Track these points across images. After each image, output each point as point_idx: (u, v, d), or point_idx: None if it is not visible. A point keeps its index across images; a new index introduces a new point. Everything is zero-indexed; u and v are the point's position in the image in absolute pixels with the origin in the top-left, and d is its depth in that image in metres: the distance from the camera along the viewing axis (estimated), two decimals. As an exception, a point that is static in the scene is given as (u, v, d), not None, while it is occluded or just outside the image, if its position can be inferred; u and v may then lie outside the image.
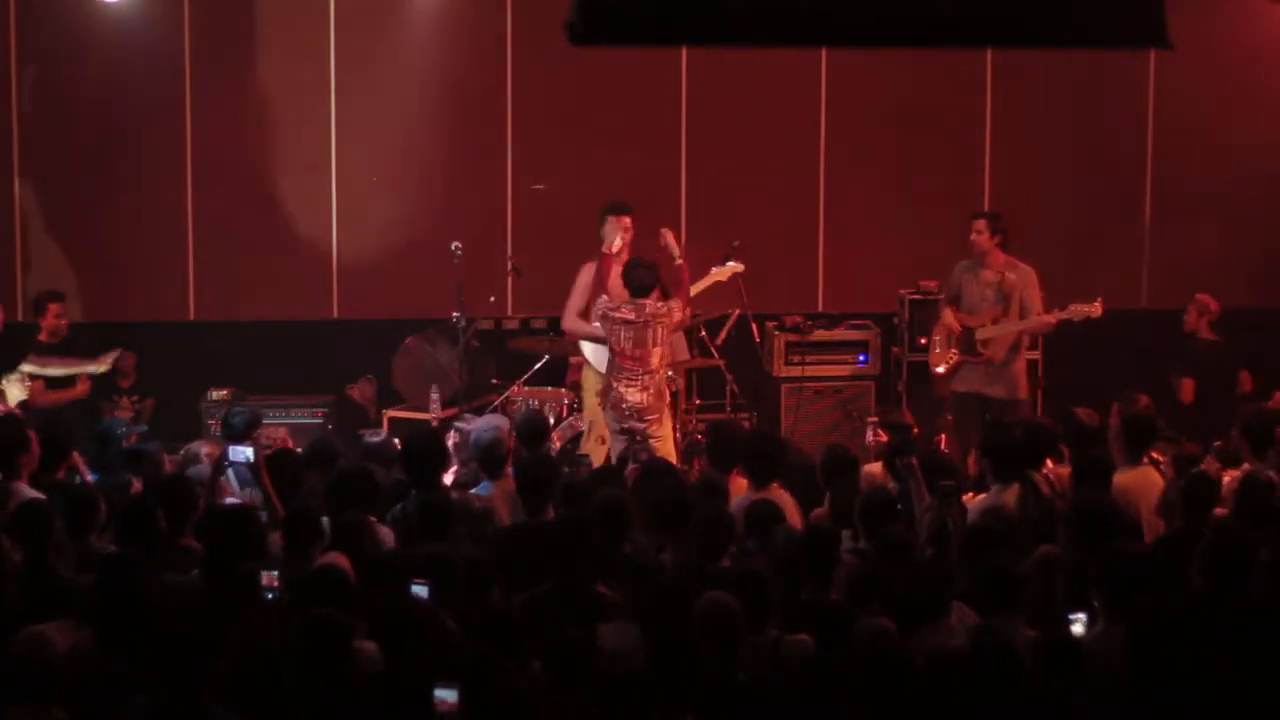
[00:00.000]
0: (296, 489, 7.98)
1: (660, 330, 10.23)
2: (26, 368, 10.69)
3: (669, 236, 10.59)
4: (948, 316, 11.03)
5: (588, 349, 10.81)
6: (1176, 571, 6.63)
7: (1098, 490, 7.72)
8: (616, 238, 10.59)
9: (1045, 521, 7.57)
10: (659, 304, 10.24)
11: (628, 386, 10.18)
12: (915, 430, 10.39)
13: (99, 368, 10.84)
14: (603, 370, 10.44)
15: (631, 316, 10.16)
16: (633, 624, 6.22)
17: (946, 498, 7.45)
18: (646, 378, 10.19)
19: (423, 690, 5.41)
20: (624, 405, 10.16)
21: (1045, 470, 8.22)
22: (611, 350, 10.21)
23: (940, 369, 11.08)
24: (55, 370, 10.83)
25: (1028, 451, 8.11)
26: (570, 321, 10.78)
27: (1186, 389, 11.71)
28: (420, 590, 6.22)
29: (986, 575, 6.37)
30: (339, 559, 6.64)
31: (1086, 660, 5.83)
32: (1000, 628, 6.02)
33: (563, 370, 11.78)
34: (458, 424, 10.76)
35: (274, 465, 8.04)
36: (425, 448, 8.15)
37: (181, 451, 9.10)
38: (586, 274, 10.70)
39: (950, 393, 11.05)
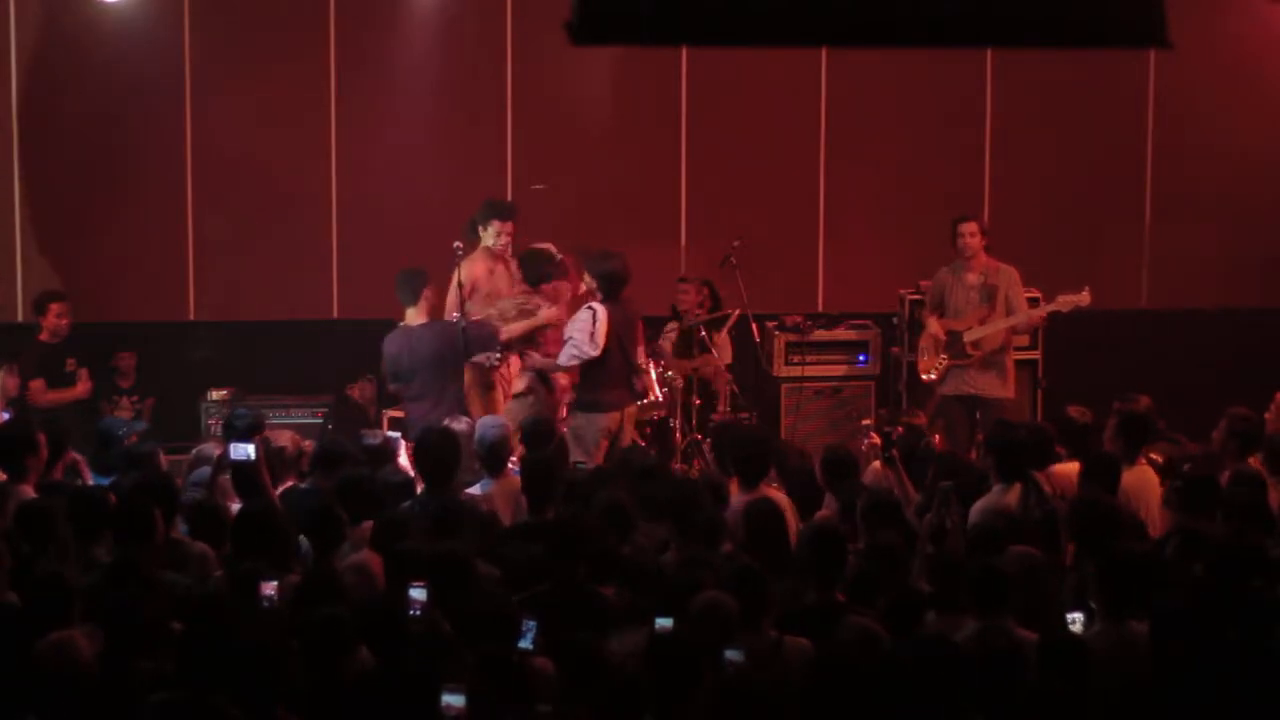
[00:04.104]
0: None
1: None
2: None
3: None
4: (933, 325, 11.09)
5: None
6: (1176, 571, 6.63)
7: (1104, 489, 7.71)
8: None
9: (1047, 522, 7.56)
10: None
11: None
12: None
13: None
14: None
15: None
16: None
17: (945, 499, 7.45)
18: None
19: (415, 692, 5.39)
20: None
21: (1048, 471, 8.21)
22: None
23: (930, 375, 11.11)
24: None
25: (1032, 451, 8.10)
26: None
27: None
28: (418, 592, 6.21)
29: (976, 576, 6.36)
30: (371, 559, 6.66)
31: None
32: (995, 628, 6.02)
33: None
34: (452, 424, 10.71)
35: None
36: (438, 448, 8.11)
37: (193, 452, 9.07)
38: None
39: (940, 397, 11.06)
